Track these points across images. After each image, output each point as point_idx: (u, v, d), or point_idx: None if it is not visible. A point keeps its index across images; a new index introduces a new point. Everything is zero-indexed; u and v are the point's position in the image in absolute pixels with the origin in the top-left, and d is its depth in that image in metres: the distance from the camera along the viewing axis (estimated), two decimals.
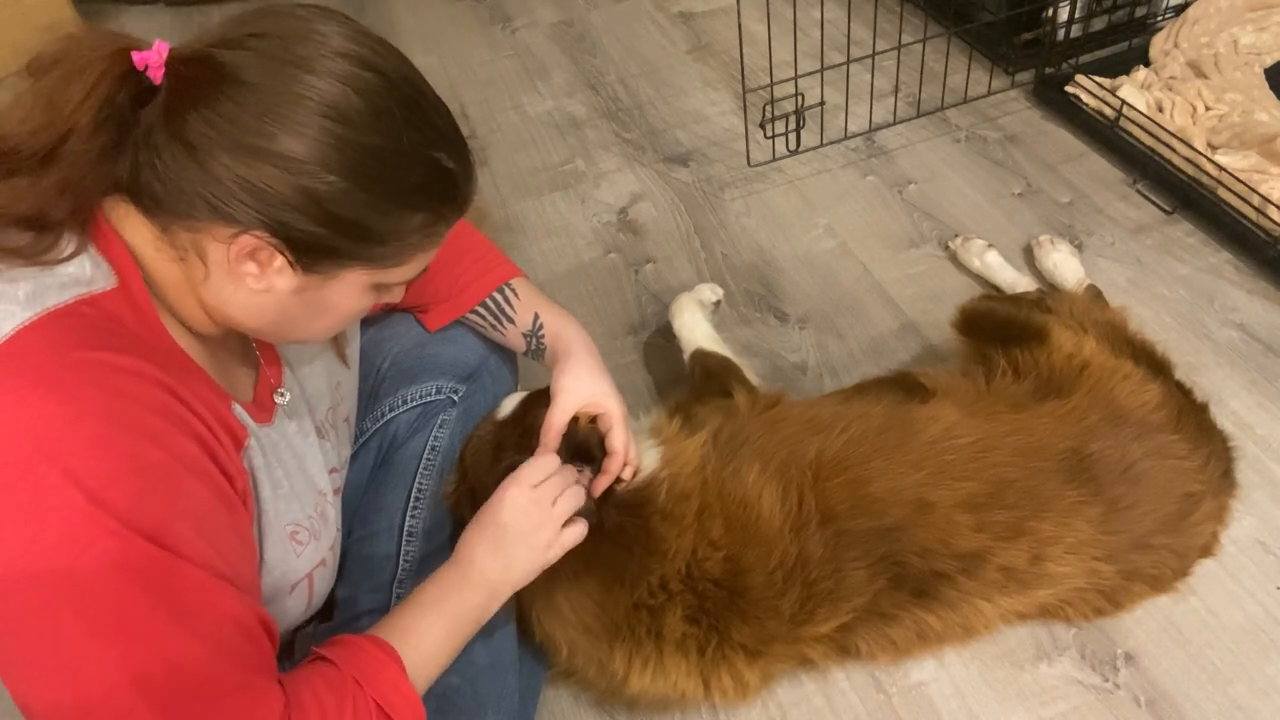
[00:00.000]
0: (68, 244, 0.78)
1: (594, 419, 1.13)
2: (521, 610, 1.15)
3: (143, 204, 0.79)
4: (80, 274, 0.78)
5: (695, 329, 1.57)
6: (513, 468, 1.06)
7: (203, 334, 0.87)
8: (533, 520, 1.01)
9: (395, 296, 0.94)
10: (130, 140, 0.77)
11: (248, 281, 0.80)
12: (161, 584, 0.71)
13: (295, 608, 1.00)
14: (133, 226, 0.81)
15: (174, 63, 0.76)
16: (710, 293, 1.71)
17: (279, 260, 0.79)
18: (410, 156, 0.80)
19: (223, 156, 0.74)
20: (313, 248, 0.79)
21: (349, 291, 0.85)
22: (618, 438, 1.12)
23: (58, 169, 0.76)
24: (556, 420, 1.11)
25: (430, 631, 0.94)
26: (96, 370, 0.72)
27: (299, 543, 0.96)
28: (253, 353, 0.98)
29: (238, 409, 0.88)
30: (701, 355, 1.53)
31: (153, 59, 0.76)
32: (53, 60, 0.77)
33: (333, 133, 0.75)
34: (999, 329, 1.37)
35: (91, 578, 0.69)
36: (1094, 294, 1.62)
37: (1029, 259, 1.79)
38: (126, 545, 0.69)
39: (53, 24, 0.79)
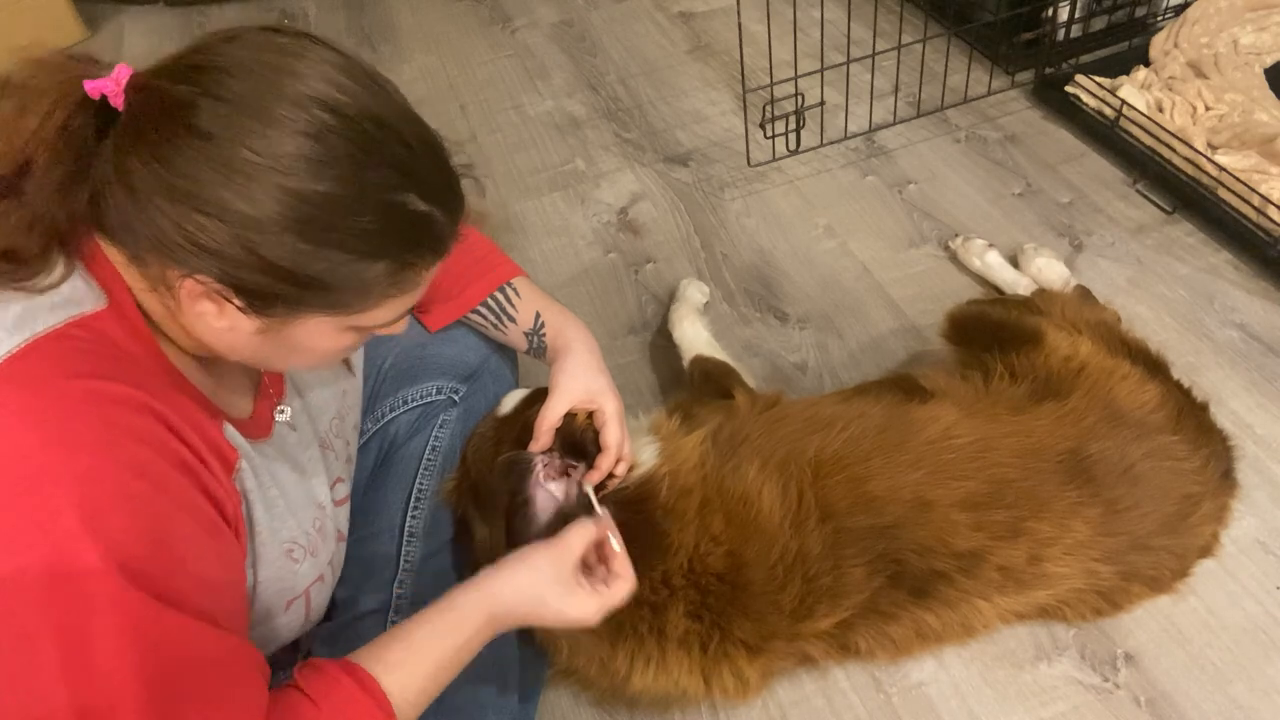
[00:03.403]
0: (55, 270, 0.76)
1: (590, 415, 1.13)
2: None
3: (109, 235, 0.78)
4: (71, 294, 0.76)
5: (695, 338, 1.60)
6: (511, 462, 1.07)
7: (197, 354, 0.86)
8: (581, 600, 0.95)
9: (394, 331, 0.89)
10: (91, 171, 0.74)
11: (209, 319, 0.77)
12: (146, 629, 0.70)
13: (291, 623, 0.99)
14: (113, 253, 0.79)
15: (130, 91, 0.73)
16: (699, 294, 1.73)
17: (231, 305, 0.75)
18: (363, 202, 0.74)
19: (160, 202, 0.71)
20: (260, 295, 0.75)
21: (316, 335, 0.81)
22: (611, 434, 1.12)
23: (23, 203, 0.73)
24: (550, 415, 1.11)
25: (433, 673, 0.87)
26: (84, 400, 0.71)
27: (295, 560, 0.95)
28: (254, 368, 0.96)
29: (229, 430, 0.86)
30: (701, 360, 1.55)
31: (110, 87, 0.73)
32: (17, 85, 0.74)
33: (275, 183, 0.71)
34: (992, 333, 1.37)
35: (72, 617, 0.67)
36: (1082, 294, 1.62)
37: (1017, 266, 1.79)
38: (109, 585, 0.68)
39: (55, 21, 0.77)
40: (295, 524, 0.95)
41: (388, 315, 0.83)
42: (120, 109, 0.73)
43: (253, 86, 0.72)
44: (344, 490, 1.09)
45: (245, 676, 0.78)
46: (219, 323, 0.77)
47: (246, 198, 0.71)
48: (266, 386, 0.97)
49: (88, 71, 0.75)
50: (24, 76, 0.75)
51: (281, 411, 0.97)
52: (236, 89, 0.71)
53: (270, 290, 0.74)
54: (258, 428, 0.92)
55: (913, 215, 1.96)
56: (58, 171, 0.73)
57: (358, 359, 1.16)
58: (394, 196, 0.76)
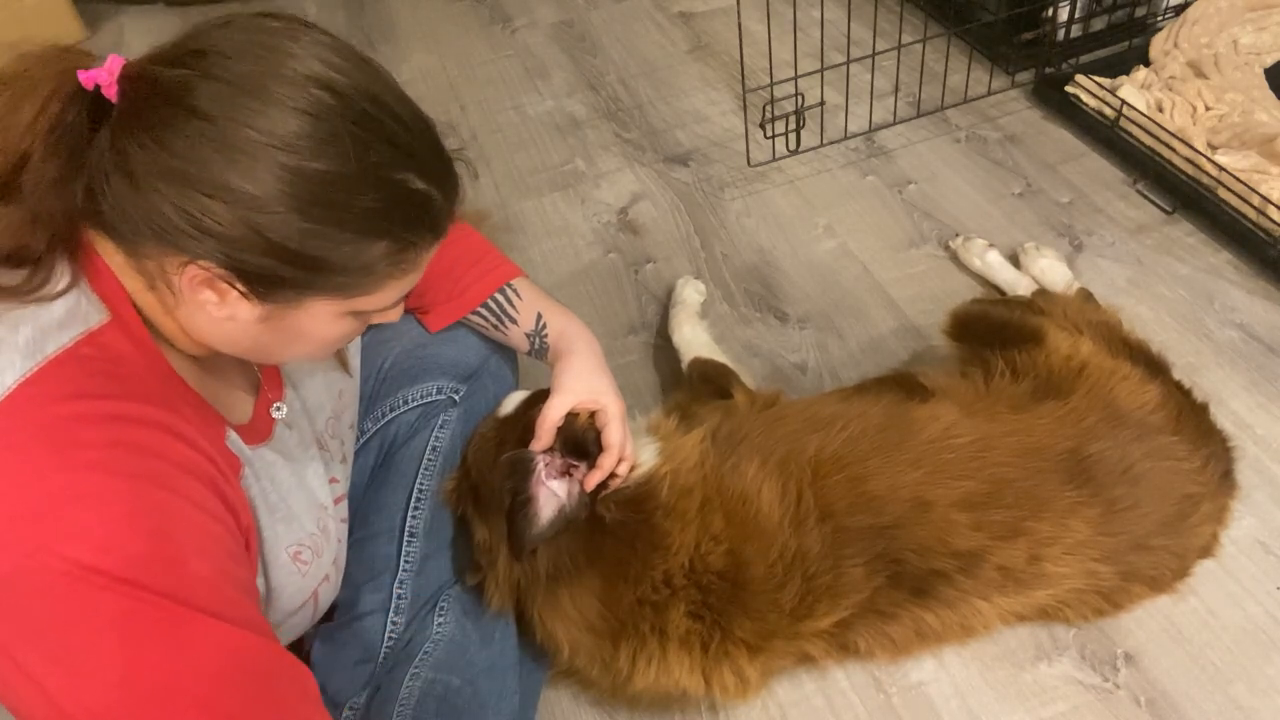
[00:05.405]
0: (61, 277, 0.76)
1: (592, 415, 1.13)
2: (522, 611, 1.16)
3: (106, 230, 0.76)
4: (76, 309, 0.76)
5: (694, 340, 1.60)
6: (513, 460, 1.07)
7: (197, 356, 0.86)
8: None
9: (389, 318, 0.89)
10: (86, 163, 0.73)
11: (209, 309, 0.76)
12: (175, 638, 0.70)
13: (300, 623, 1.00)
14: (109, 253, 0.78)
15: (124, 81, 0.73)
16: (696, 294, 1.74)
17: (234, 290, 0.75)
18: (364, 180, 0.74)
19: (160, 186, 0.70)
20: (264, 279, 0.74)
21: (319, 321, 0.81)
22: (614, 434, 1.12)
23: (22, 199, 0.73)
24: (553, 414, 1.11)
25: None
26: (99, 422, 0.72)
27: (303, 562, 0.95)
28: (252, 369, 0.96)
29: (232, 437, 0.87)
30: (699, 362, 1.55)
31: (103, 77, 0.72)
32: (10, 79, 0.74)
33: (277, 161, 0.70)
34: (993, 332, 1.38)
35: (99, 634, 0.68)
36: (1085, 295, 1.62)
37: (1018, 265, 1.79)
38: (136, 602, 0.69)
39: (55, 21, 0.78)
40: (299, 526, 0.95)
41: (387, 299, 0.83)
42: (114, 100, 0.73)
43: (250, 67, 0.72)
44: (340, 490, 1.09)
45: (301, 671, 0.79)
46: (219, 312, 0.77)
47: (250, 177, 0.70)
48: (265, 391, 0.97)
49: (81, 63, 0.74)
50: (17, 70, 0.74)
51: (279, 409, 0.97)
52: (234, 70, 0.71)
53: (274, 273, 0.74)
54: (258, 431, 0.92)
55: (913, 215, 1.96)
56: (53, 165, 0.72)
57: (355, 360, 1.16)
58: (394, 174, 0.76)
